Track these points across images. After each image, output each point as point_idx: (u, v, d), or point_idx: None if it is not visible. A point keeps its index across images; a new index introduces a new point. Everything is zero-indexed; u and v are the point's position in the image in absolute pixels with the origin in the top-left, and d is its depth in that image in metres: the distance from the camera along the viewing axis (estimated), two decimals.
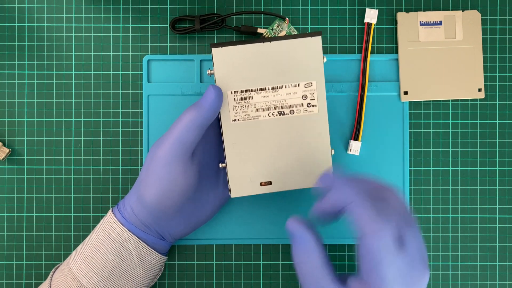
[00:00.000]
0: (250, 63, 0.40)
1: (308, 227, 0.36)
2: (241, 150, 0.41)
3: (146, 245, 0.41)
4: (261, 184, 0.41)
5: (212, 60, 0.40)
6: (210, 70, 0.40)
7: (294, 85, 0.40)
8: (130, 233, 0.41)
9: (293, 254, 0.36)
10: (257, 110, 0.40)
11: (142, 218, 0.41)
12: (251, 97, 0.40)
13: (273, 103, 0.40)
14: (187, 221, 0.43)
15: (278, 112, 0.40)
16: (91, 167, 0.47)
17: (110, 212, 0.42)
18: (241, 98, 0.40)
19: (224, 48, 0.39)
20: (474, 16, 0.47)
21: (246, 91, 0.40)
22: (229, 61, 0.40)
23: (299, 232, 0.36)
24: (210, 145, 0.43)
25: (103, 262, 0.40)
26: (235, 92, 0.40)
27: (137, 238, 0.41)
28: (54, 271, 0.43)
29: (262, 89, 0.40)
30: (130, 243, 0.41)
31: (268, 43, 0.39)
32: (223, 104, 0.40)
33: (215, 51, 0.39)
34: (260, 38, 0.39)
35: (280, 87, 0.40)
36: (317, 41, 0.40)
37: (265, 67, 0.40)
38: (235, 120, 0.40)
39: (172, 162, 0.39)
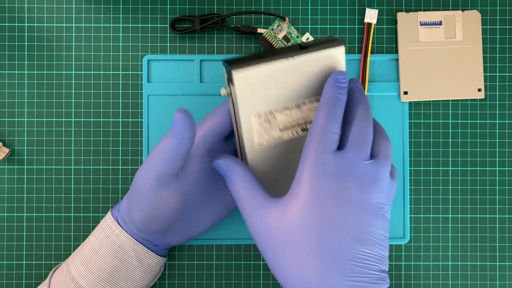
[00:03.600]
0: (273, 82, 0.36)
1: (231, 160, 0.37)
2: (264, 174, 0.38)
3: (144, 247, 0.41)
4: None
5: (228, 81, 0.36)
6: (225, 89, 0.37)
7: (317, 100, 0.37)
8: (129, 236, 0.40)
9: (231, 191, 0.37)
10: (280, 130, 0.38)
11: (135, 230, 0.40)
12: (275, 118, 0.37)
13: (296, 121, 0.38)
14: (181, 234, 0.42)
15: (301, 128, 0.38)
16: (91, 167, 0.47)
17: (109, 213, 0.42)
18: (265, 120, 0.37)
19: (246, 70, 0.35)
20: (474, 16, 0.47)
21: (270, 113, 0.37)
22: (251, 83, 0.35)
23: (226, 166, 0.36)
24: (207, 159, 0.40)
25: (102, 264, 0.40)
26: (259, 115, 0.36)
27: (136, 241, 0.40)
28: (53, 272, 0.43)
29: (286, 108, 0.37)
30: (128, 245, 0.40)
31: (292, 59, 0.36)
32: (246, 130, 0.36)
33: (236, 75, 0.35)
34: (282, 53, 0.36)
35: (304, 103, 0.37)
36: (340, 51, 0.37)
37: (288, 84, 0.36)
38: (260, 144, 0.37)
39: (151, 190, 0.38)
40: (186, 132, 0.36)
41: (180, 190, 0.39)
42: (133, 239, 0.40)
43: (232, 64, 0.35)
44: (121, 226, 0.41)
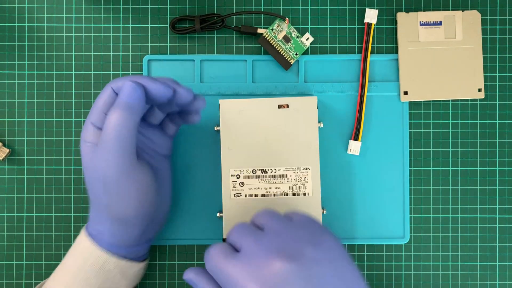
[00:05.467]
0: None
1: (200, 273, 0.37)
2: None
3: (127, 260, 0.40)
4: None
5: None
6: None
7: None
8: (110, 254, 0.39)
9: None
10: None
11: (123, 240, 0.39)
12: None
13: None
14: (158, 217, 0.41)
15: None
16: None
17: (83, 233, 0.40)
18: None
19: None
20: (474, 16, 0.47)
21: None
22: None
23: (195, 279, 0.37)
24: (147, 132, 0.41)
25: (85, 287, 0.39)
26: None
27: (118, 258, 0.39)
28: None
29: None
30: (110, 263, 0.39)
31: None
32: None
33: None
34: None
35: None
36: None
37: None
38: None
39: (125, 174, 0.36)
40: (143, 100, 0.36)
41: (145, 165, 0.38)
42: (115, 257, 0.39)
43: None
44: (101, 246, 0.39)
